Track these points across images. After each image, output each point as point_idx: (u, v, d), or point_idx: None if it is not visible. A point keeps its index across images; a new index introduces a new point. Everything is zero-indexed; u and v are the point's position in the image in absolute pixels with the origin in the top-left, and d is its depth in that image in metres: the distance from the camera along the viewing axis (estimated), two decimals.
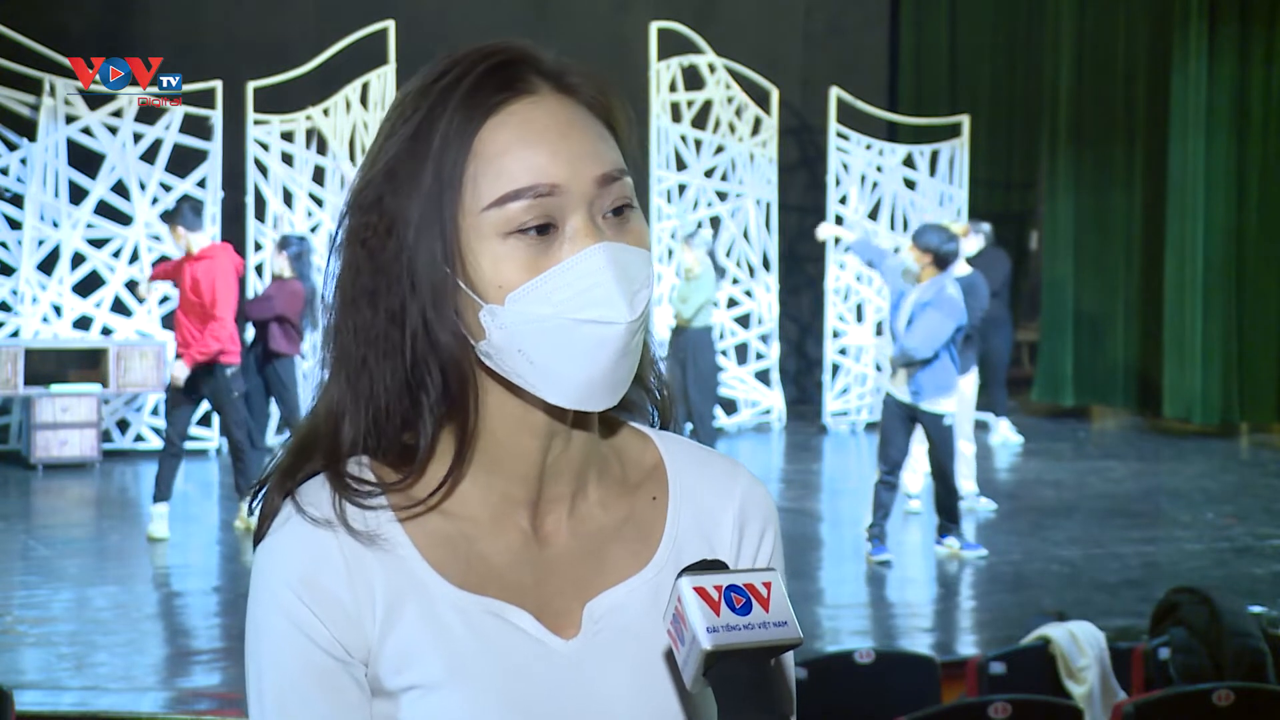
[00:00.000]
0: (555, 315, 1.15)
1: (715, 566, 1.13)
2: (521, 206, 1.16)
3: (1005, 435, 12.04)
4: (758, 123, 12.56)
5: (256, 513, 1.24)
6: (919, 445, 8.95)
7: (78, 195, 10.72)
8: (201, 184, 10.85)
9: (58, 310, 10.73)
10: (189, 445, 10.11)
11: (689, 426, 9.68)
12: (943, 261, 7.70)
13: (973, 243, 10.59)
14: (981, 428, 11.70)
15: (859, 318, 12.81)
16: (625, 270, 1.17)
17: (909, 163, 13.04)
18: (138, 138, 10.74)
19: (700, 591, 1.10)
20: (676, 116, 12.29)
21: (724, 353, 12.27)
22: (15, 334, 10.58)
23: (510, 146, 1.17)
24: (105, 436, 10.64)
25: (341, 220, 1.23)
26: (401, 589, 1.19)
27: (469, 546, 1.22)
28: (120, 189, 10.78)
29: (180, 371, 7.98)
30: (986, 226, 11.41)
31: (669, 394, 1.33)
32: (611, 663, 1.22)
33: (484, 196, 1.16)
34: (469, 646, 1.19)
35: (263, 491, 1.24)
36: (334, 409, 1.22)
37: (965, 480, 9.05)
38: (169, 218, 8.38)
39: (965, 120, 13.27)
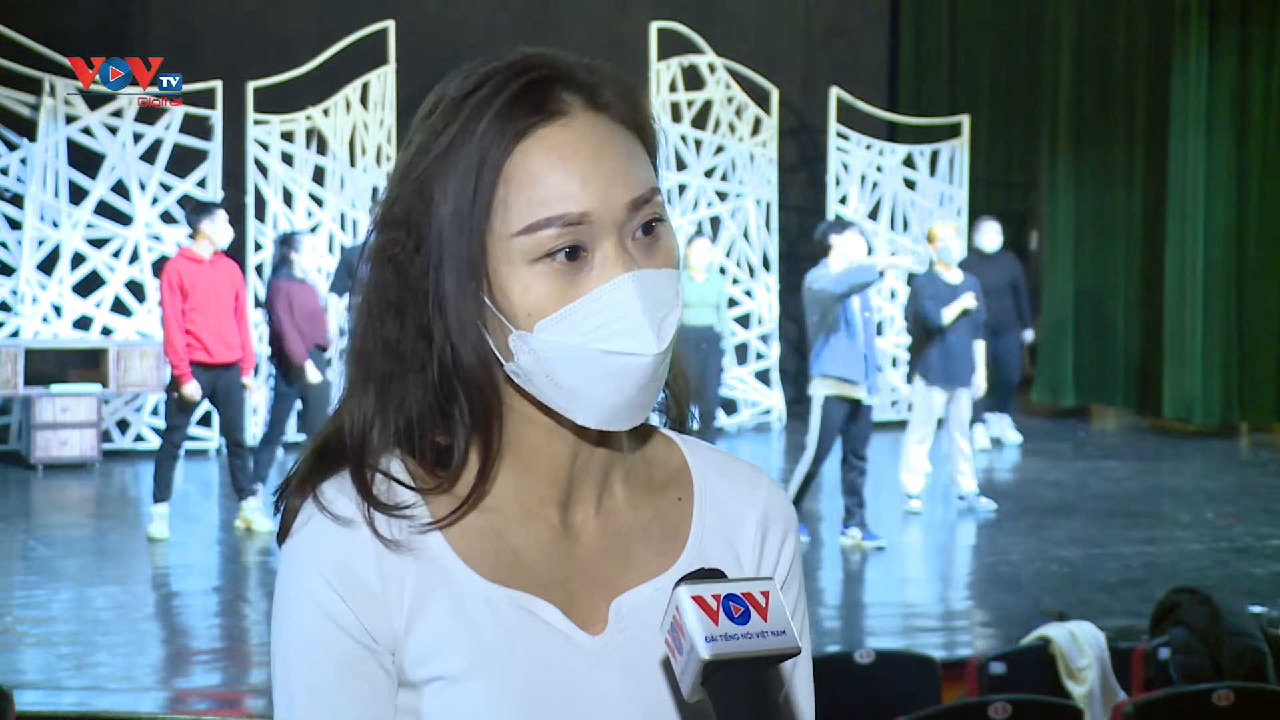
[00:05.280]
0: (583, 345, 1.16)
1: (713, 575, 1.13)
2: (551, 234, 1.16)
3: (1005, 435, 12.03)
4: (758, 123, 12.55)
5: (279, 519, 1.24)
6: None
7: (78, 195, 10.72)
8: (201, 184, 10.84)
9: (58, 310, 10.72)
10: (189, 445, 10.11)
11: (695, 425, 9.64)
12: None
13: (993, 239, 11.39)
14: (980, 427, 11.68)
15: None
16: (655, 296, 1.17)
17: (909, 163, 13.04)
18: (138, 138, 10.74)
19: (698, 600, 1.09)
20: (677, 116, 12.29)
21: (723, 353, 12.26)
22: (15, 334, 10.58)
23: (540, 173, 1.16)
24: (105, 436, 10.64)
25: (369, 234, 1.24)
26: (430, 578, 1.20)
27: (499, 539, 1.23)
28: (120, 189, 10.77)
29: (194, 391, 7.95)
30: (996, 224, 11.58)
31: (688, 392, 1.34)
32: (635, 660, 1.23)
33: (514, 223, 1.17)
34: (495, 639, 1.20)
35: (284, 496, 1.24)
36: (359, 420, 1.23)
37: (965, 479, 9.05)
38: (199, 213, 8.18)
39: (965, 120, 13.27)
